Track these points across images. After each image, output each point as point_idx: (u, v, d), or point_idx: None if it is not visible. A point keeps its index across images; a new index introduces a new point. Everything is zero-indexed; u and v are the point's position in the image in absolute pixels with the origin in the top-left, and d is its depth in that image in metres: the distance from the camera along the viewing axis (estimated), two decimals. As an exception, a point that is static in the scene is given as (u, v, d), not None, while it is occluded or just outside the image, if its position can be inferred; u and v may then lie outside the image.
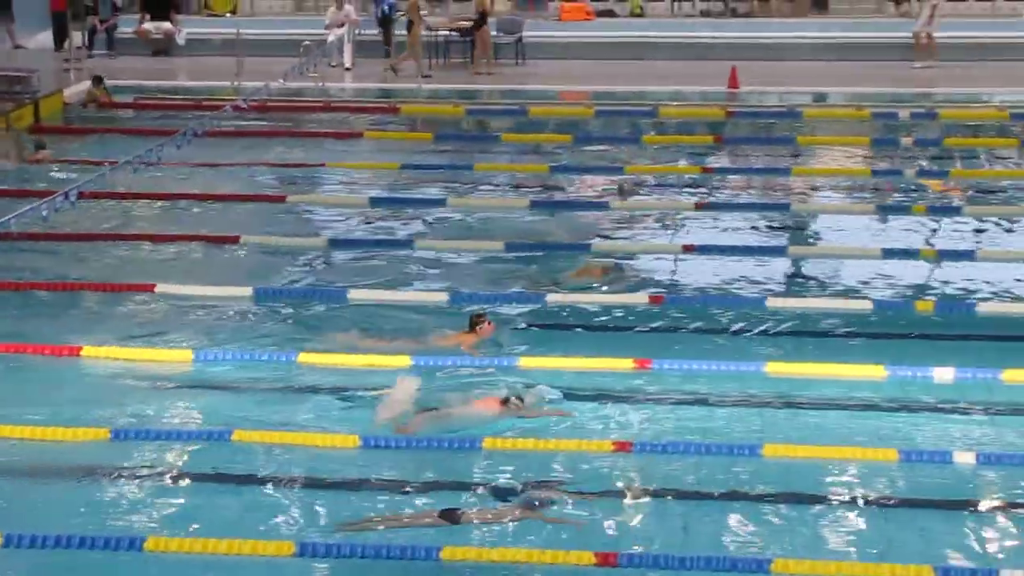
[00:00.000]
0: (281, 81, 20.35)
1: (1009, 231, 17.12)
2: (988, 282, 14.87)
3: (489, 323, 12.86)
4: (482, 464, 10.47)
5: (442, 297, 14.23)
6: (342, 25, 29.99)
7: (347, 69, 29.90)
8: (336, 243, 16.53)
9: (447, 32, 30.94)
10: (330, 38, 29.58)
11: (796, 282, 14.90)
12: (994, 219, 17.59)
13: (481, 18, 30.01)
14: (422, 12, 29.66)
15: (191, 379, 12.24)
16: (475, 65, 29.75)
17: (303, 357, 12.47)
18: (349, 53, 30.05)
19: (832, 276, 15.13)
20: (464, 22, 31.54)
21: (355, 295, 14.31)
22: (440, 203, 18.49)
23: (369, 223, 17.67)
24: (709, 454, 10.56)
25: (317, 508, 9.87)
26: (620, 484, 10.13)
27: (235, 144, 21.99)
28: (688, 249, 16.00)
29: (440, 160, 21.39)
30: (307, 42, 27.92)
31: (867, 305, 13.90)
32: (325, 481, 10.23)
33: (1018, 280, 14.99)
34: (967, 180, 19.68)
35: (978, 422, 11.16)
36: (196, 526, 9.54)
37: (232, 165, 20.50)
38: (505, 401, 11.21)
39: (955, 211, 17.79)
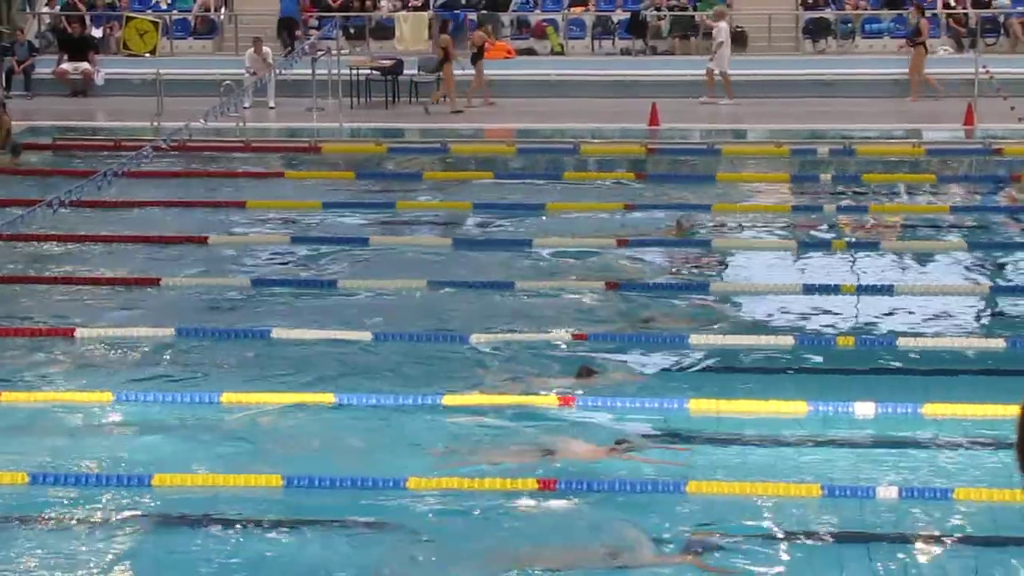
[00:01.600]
0: (202, 121, 20.22)
1: (926, 266, 17.29)
2: (907, 316, 15.01)
3: (596, 379, 12.81)
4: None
5: (366, 336, 14.17)
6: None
7: (270, 108, 29.83)
8: (259, 283, 16.44)
9: (368, 71, 30.95)
10: (247, 80, 29.51)
11: (719, 318, 14.93)
12: (911, 254, 17.77)
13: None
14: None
15: (112, 421, 12.10)
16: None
17: (226, 397, 12.37)
18: (271, 93, 29.98)
19: (754, 312, 15.18)
20: (385, 61, 31.58)
21: (279, 334, 14.22)
22: (362, 242, 18.45)
23: (291, 262, 17.59)
24: (633, 491, 10.54)
25: (242, 550, 9.76)
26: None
27: (155, 185, 21.86)
28: (611, 286, 16.03)
29: (362, 199, 21.37)
30: (227, 82, 27.82)
31: (789, 341, 13.96)
32: (251, 522, 10.13)
33: (936, 314, 15.12)
34: (885, 215, 19.87)
35: (900, 457, 11.21)
36: (120, 570, 9.41)
37: (152, 205, 20.36)
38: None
39: (874, 246, 17.94)
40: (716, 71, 30.26)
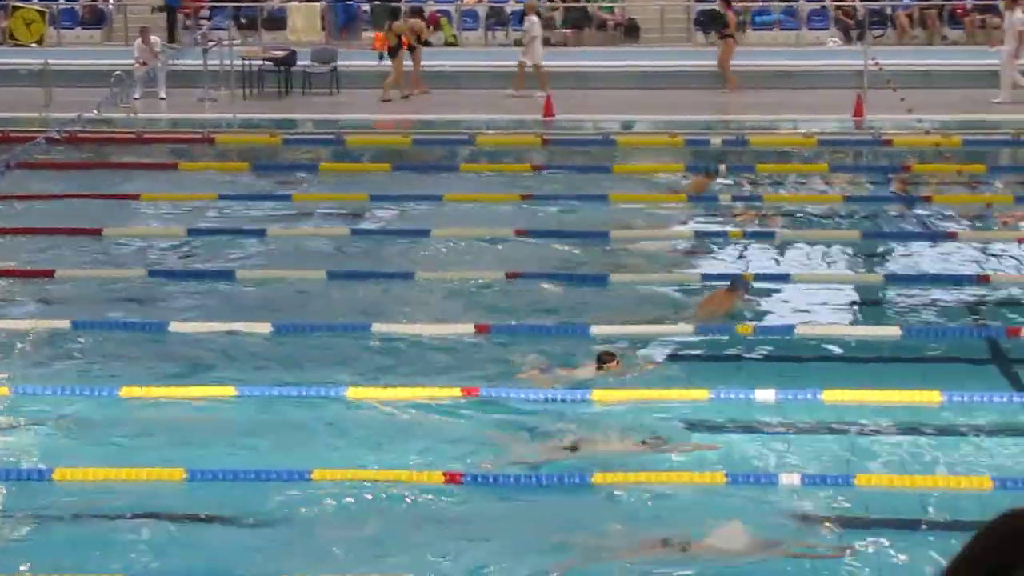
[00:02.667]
0: (95, 112, 19.96)
1: (821, 254, 17.47)
2: (803, 304, 15.16)
3: (617, 362, 12.71)
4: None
5: (266, 328, 14.05)
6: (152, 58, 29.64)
7: (161, 99, 29.51)
8: (155, 274, 16.25)
9: (261, 62, 30.71)
10: (137, 70, 29.15)
11: (618, 308, 14.98)
12: (806, 243, 17.95)
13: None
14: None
15: (9, 415, 11.90)
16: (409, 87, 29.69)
17: (126, 391, 12.21)
18: (162, 83, 29.65)
19: (652, 301, 15.24)
20: (278, 52, 31.36)
21: (176, 327, 14.07)
22: (259, 233, 18.31)
23: (188, 254, 17.42)
24: (540, 486, 10.53)
25: (144, 544, 9.65)
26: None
27: (47, 177, 21.52)
28: (512, 276, 16.03)
29: (258, 190, 21.22)
30: (118, 72, 27.48)
31: (688, 329, 14.03)
32: (153, 516, 10.02)
33: (831, 302, 15.28)
34: (779, 205, 20.06)
35: (801, 443, 11.30)
36: (19, 564, 9.26)
37: (45, 198, 20.06)
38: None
39: (769, 236, 18.09)
40: (528, 63, 30.12)
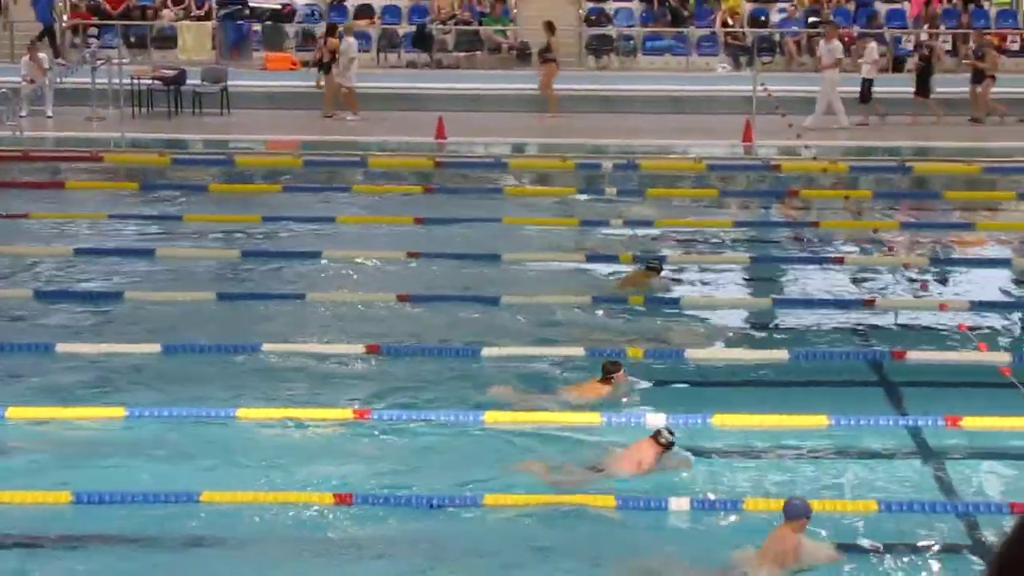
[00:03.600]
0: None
1: (711, 278, 17.62)
2: (694, 328, 15.27)
3: (623, 372, 12.67)
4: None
5: (155, 348, 13.93)
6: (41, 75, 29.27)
7: (48, 117, 29.14)
8: (42, 295, 16.04)
9: (150, 80, 30.44)
10: (24, 87, 28.77)
11: (511, 329, 15.01)
12: (697, 266, 18.10)
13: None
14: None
15: None
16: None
17: (11, 412, 12.03)
18: (49, 101, 29.29)
19: (544, 323, 15.29)
20: (168, 71, 31.10)
21: (64, 348, 13.89)
22: (148, 254, 18.15)
23: (76, 275, 17.21)
24: (438, 507, 10.51)
25: (31, 567, 9.51)
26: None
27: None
28: (402, 299, 16.02)
29: (148, 210, 21.04)
30: (4, 90, 27.11)
31: (579, 351, 14.08)
32: (38, 539, 9.87)
33: (722, 326, 15.41)
34: (672, 228, 20.21)
35: (691, 467, 11.36)
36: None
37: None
38: (658, 437, 10.94)
39: (660, 259, 18.17)
40: (344, 86, 30.11)
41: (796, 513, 9.37)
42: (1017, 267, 18.47)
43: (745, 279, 17.77)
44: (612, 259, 18.19)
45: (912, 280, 17.47)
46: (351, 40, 30.59)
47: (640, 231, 20.07)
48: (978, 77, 30.53)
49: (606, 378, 12.70)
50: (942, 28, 37.02)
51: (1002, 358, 13.84)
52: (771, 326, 15.48)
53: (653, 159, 25.63)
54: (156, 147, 26.00)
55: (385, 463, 11.37)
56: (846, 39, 33.73)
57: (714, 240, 19.70)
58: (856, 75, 29.93)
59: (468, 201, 22.03)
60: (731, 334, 15.13)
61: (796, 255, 19.01)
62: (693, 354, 14.10)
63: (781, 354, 14.11)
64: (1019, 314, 16.39)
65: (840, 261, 18.34)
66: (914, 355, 14.06)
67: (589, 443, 11.71)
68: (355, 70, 30.14)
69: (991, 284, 17.56)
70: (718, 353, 14.28)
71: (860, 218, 21.42)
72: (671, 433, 10.99)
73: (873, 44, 31.12)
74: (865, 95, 29.86)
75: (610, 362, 12.86)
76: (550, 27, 31.71)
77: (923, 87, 30.44)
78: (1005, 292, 17.44)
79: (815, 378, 13.51)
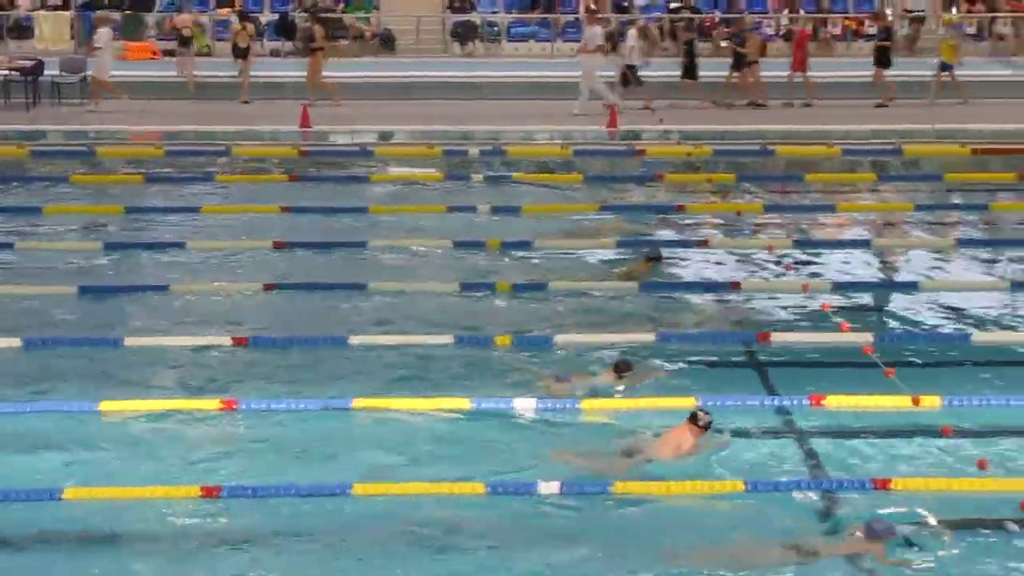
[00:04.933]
0: None
1: (578, 263, 17.69)
2: (562, 313, 15.32)
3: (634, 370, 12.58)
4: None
5: (15, 343, 13.67)
6: None
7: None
8: None
9: (6, 72, 29.88)
10: None
11: (380, 318, 14.96)
12: (563, 252, 18.15)
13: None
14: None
15: None
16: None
17: None
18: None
19: (413, 312, 15.25)
20: (25, 61, 30.55)
21: (-79, 346, 13.60)
22: (7, 247, 17.83)
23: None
24: (300, 496, 10.43)
25: None
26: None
27: None
28: (270, 288, 15.89)
29: (6, 203, 20.66)
30: None
31: (448, 339, 14.06)
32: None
33: (589, 309, 15.47)
34: (541, 216, 20.23)
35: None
36: None
37: None
38: (695, 419, 10.96)
39: (526, 245, 18.23)
40: (98, 76, 29.87)
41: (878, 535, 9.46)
42: (877, 247, 18.79)
43: (611, 263, 17.81)
44: (478, 245, 18.19)
45: (777, 262, 17.67)
46: (103, 31, 30.05)
47: (507, 217, 20.08)
48: (739, 63, 31.13)
49: (619, 376, 12.67)
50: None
51: (864, 338, 14.04)
52: (640, 310, 15.53)
53: (519, 145, 25.67)
54: (14, 139, 25.53)
55: (254, 455, 11.26)
56: (707, 23, 34.11)
57: (580, 225, 19.74)
58: (720, 60, 30.24)
59: (334, 189, 21.92)
60: (600, 318, 15.17)
61: (662, 239, 19.11)
62: (562, 339, 14.13)
63: (648, 337, 14.18)
64: (880, 293, 16.68)
65: (705, 244, 18.51)
66: (779, 336, 14.23)
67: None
68: (109, 61, 29.74)
69: (853, 264, 17.84)
70: (585, 337, 14.30)
71: (725, 201, 21.62)
72: (707, 413, 11.07)
73: (633, 30, 31.43)
74: (627, 79, 30.17)
75: (623, 361, 12.83)
76: (315, 17, 31.61)
77: (690, 71, 31.02)
78: (866, 272, 17.72)
79: (683, 360, 13.59)
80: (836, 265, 17.71)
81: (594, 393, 12.50)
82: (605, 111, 28.27)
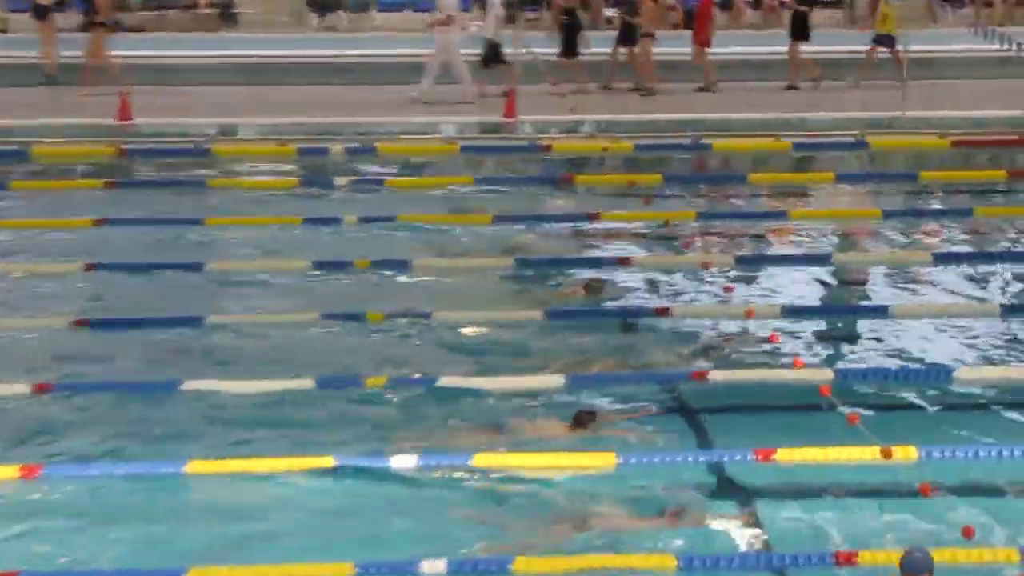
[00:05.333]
0: None
1: (469, 285, 17.72)
2: (448, 348, 15.35)
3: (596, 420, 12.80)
4: None
5: None
6: None
7: None
8: None
9: None
10: None
11: (221, 358, 14.91)
12: (449, 273, 18.17)
13: None
14: None
15: None
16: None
17: None
18: None
19: (262, 349, 15.22)
20: None
21: None
22: None
23: None
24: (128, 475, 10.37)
25: None
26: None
27: None
28: (81, 324, 15.81)
29: None
30: None
31: (308, 383, 14.03)
32: None
33: (482, 344, 15.50)
34: (421, 229, 20.26)
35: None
36: None
37: None
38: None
39: (403, 265, 18.23)
40: None
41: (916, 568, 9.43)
42: (838, 263, 18.96)
43: (509, 287, 17.85)
44: (344, 266, 18.17)
45: (714, 283, 17.78)
46: None
47: (379, 230, 20.08)
48: (628, 37, 31.50)
49: (575, 427, 12.86)
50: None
51: (823, 375, 14.16)
52: (545, 345, 15.56)
53: (394, 141, 25.69)
54: None
55: (60, 535, 11.17)
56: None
57: (469, 239, 19.79)
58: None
59: (162, 197, 21.82)
60: (496, 356, 15.20)
61: (571, 256, 19.17)
62: (449, 381, 14.14)
63: (556, 379, 14.22)
64: (842, 320, 16.83)
65: (626, 262, 18.59)
66: (718, 375, 14.30)
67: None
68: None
69: (808, 285, 17.99)
70: (479, 381, 14.30)
71: (649, 208, 21.74)
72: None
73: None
74: (489, 58, 30.44)
75: (585, 412, 13.00)
76: None
77: (569, 47, 31.30)
78: (825, 294, 17.89)
79: (598, 406, 13.62)
80: (788, 286, 17.86)
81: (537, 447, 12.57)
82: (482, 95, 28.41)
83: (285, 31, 34.44)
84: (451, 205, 21.85)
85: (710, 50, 32.14)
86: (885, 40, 31.99)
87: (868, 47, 32.10)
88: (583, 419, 12.87)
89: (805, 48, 32.34)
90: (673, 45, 32.64)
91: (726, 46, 33.30)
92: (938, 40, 33.90)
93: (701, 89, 31.43)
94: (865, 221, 21.23)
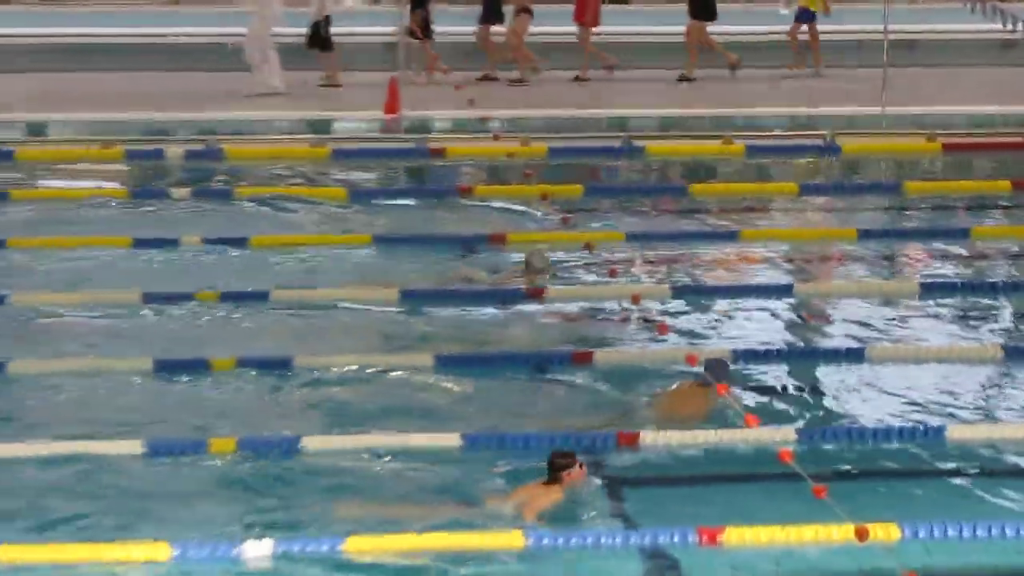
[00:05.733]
0: None
1: (340, 322, 17.72)
2: (314, 403, 15.34)
3: (581, 466, 12.97)
4: None
5: None
6: None
7: None
8: None
9: None
10: None
11: (27, 417, 14.86)
12: (315, 308, 18.16)
13: None
14: None
15: None
16: None
17: None
18: None
19: (81, 405, 15.19)
20: None
21: None
22: None
23: None
24: None
25: None
26: None
27: None
28: None
29: None
30: None
31: (136, 447, 13.94)
32: None
33: (353, 402, 15.50)
34: (281, 252, 20.25)
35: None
36: None
37: None
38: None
39: (260, 298, 18.21)
40: None
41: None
42: (801, 295, 19.00)
43: (391, 326, 17.83)
44: (184, 299, 18.12)
45: (647, 320, 17.82)
46: None
47: (228, 254, 20.05)
48: (494, 12, 31.81)
49: (556, 478, 12.99)
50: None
51: (782, 436, 14.18)
52: (427, 397, 15.57)
53: (245, 142, 25.66)
54: None
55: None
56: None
57: (342, 265, 19.77)
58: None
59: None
60: (367, 411, 15.23)
61: (465, 290, 19.15)
62: (314, 443, 14.12)
63: (448, 439, 14.20)
64: (806, 368, 16.84)
65: (539, 294, 18.60)
66: (651, 437, 14.29)
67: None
68: None
69: (764, 324, 18.04)
70: (345, 442, 14.31)
71: (567, 228, 21.76)
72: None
73: None
74: (317, 40, 30.67)
75: (562, 455, 13.10)
76: None
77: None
78: (785, 335, 17.93)
79: (509, 480, 13.62)
80: (738, 325, 17.93)
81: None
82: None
83: (115, 4, 34.37)
84: (319, 223, 21.81)
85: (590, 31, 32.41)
86: (805, 16, 32.35)
87: (790, 26, 32.49)
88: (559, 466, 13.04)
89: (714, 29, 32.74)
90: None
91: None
92: (925, 17, 34.10)
93: (579, 78, 31.69)
94: (835, 243, 21.32)
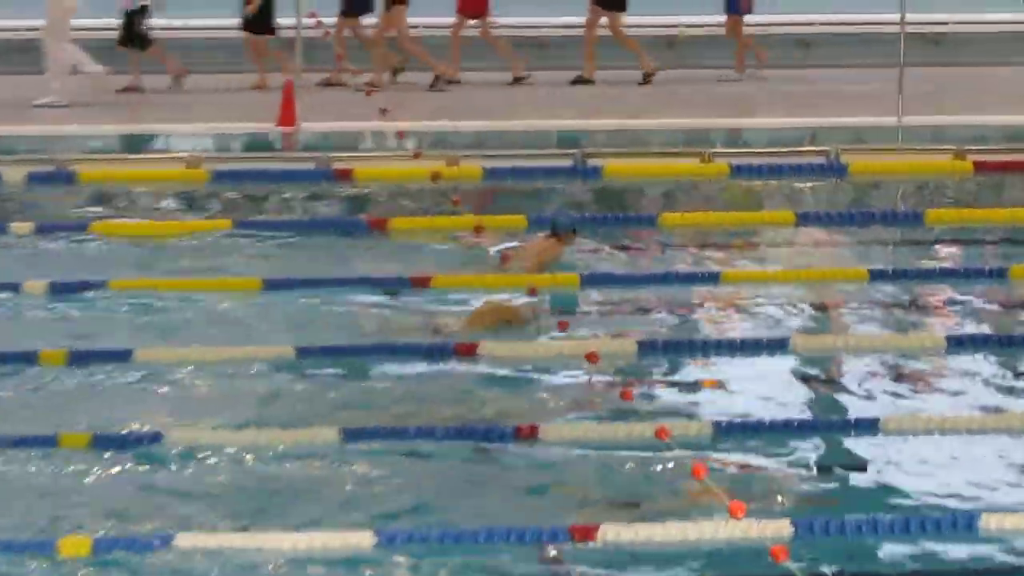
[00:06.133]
0: None
1: (226, 382, 17.79)
2: (185, 484, 15.37)
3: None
4: None
5: None
6: None
7: None
8: None
9: None
10: None
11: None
12: (195, 368, 18.21)
13: None
14: None
15: None
16: None
17: None
18: None
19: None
20: None
21: None
22: None
23: None
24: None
25: None
26: None
27: None
28: None
29: None
30: None
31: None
32: None
33: (216, 473, 15.56)
34: (136, 294, 20.28)
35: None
36: None
37: None
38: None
39: (122, 357, 18.24)
40: None
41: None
42: (800, 351, 19.06)
43: (286, 392, 17.87)
44: (27, 360, 18.15)
45: (610, 385, 17.88)
46: None
47: (81, 304, 20.08)
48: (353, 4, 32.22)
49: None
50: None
51: (775, 529, 14.22)
52: (333, 484, 15.62)
53: (104, 164, 25.70)
54: None
55: None
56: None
57: (225, 316, 19.83)
58: None
59: None
60: (259, 502, 15.30)
61: (380, 342, 19.20)
62: (189, 540, 14.14)
63: (361, 538, 14.25)
64: (805, 442, 16.88)
65: (470, 351, 18.65)
66: (614, 531, 14.35)
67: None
68: None
69: (754, 386, 18.11)
70: (233, 540, 14.35)
71: (507, 268, 21.81)
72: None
73: None
74: (130, 37, 30.93)
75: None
76: None
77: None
78: (780, 401, 17.99)
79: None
80: (720, 388, 18.00)
81: None
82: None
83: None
84: (197, 263, 21.84)
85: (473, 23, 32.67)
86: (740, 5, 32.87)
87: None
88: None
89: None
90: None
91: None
92: (952, 5, 34.31)
93: (518, 80, 31.94)
94: (842, 286, 21.41)
